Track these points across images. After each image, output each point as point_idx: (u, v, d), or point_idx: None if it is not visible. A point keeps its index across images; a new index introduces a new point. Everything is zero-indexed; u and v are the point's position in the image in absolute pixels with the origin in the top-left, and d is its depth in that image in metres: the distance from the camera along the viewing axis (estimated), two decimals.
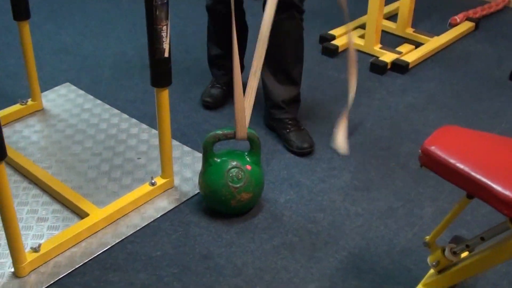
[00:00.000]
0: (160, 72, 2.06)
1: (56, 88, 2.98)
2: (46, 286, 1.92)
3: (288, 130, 2.57)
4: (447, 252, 1.66)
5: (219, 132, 2.10)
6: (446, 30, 3.60)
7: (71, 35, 3.58)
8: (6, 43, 3.39)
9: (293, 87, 2.59)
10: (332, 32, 3.50)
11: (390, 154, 2.52)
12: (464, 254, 1.67)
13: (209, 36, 2.82)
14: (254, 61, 2.14)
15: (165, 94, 2.11)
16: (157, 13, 1.92)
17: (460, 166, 1.43)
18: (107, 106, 2.82)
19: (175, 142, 2.55)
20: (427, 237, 1.71)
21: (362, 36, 3.43)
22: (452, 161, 1.45)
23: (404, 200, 2.27)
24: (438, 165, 1.48)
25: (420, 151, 1.52)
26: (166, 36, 1.98)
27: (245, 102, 2.11)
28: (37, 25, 3.68)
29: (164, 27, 1.96)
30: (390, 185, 2.34)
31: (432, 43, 3.43)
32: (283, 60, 2.53)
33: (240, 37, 2.72)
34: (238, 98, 2.09)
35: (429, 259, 1.71)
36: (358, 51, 3.36)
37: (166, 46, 2.00)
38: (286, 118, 2.60)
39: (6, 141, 2.53)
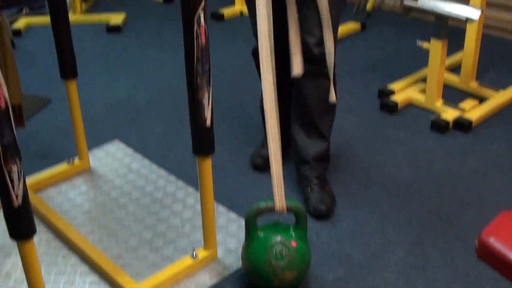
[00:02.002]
0: (202, 140, 1.96)
1: (104, 145, 2.92)
2: None
3: (310, 189, 2.46)
4: None
5: (263, 205, 1.98)
6: None
7: (125, 88, 3.55)
8: (59, 96, 3.37)
9: (321, 141, 2.47)
10: (392, 86, 3.36)
11: (450, 226, 2.35)
12: None
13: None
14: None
15: (207, 163, 2.01)
16: (198, 81, 1.83)
17: None
18: (154, 166, 2.74)
19: (221, 208, 2.44)
20: None
21: (422, 91, 3.27)
22: None
23: (463, 282, 2.08)
24: (497, 261, 1.32)
25: (476, 242, 1.36)
26: (208, 104, 1.89)
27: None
28: (92, 77, 3.67)
29: (206, 95, 1.86)
30: (448, 263, 2.16)
31: (498, 98, 3.25)
32: (310, 112, 2.42)
33: (284, 91, 2.62)
34: (275, 166, 1.98)
35: None
36: (419, 107, 3.21)
37: (208, 114, 1.90)
38: (312, 175, 2.48)
39: (51, 203, 2.52)
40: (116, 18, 4.51)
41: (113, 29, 4.40)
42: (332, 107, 2.46)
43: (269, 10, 2.01)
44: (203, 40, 1.73)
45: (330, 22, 2.16)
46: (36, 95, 3.47)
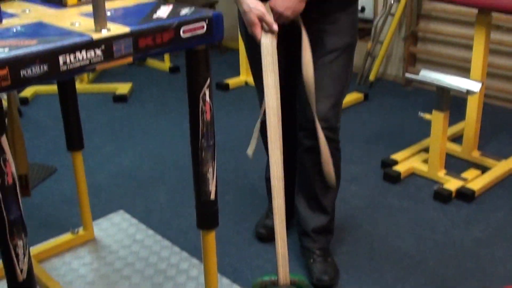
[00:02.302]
0: (206, 214, 1.98)
1: (109, 216, 2.94)
2: None
3: (312, 260, 2.46)
4: None
5: (267, 279, 1.99)
6: None
7: (130, 158, 3.58)
8: (65, 165, 3.40)
9: (323, 215, 2.48)
10: (394, 156, 3.39)
11: None
12: None
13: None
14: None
15: (211, 237, 2.02)
16: (203, 155, 1.86)
17: None
18: (158, 237, 2.75)
19: (225, 281, 2.44)
20: None
21: (425, 161, 3.30)
22: None
23: None
24: None
25: None
26: (213, 178, 1.91)
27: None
28: (98, 147, 3.71)
29: (210, 169, 1.89)
30: None
31: (500, 168, 3.27)
32: (313, 187, 2.43)
33: (290, 163, 2.64)
34: (280, 244, 2.00)
35: None
36: (422, 177, 3.23)
37: (212, 188, 1.92)
38: (314, 247, 2.49)
39: (54, 273, 2.53)
40: (123, 88, 4.59)
41: (119, 99, 4.47)
42: (336, 182, 2.48)
43: (277, 86, 2.05)
44: (208, 116, 1.77)
45: (313, 92, 2.18)
46: (42, 164, 3.51)
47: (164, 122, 4.10)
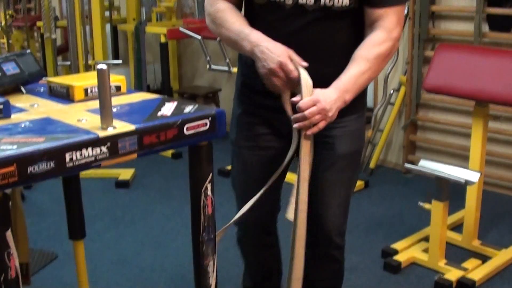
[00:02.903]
0: None
1: None
2: None
3: None
4: None
5: None
6: None
7: (131, 245, 3.58)
8: (66, 251, 3.40)
9: None
10: (395, 246, 3.39)
11: None
12: None
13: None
14: None
15: None
16: (204, 248, 1.87)
17: None
18: None
19: None
20: None
21: (426, 250, 3.30)
22: None
23: None
24: None
25: None
26: (213, 271, 1.92)
27: None
28: (99, 233, 3.72)
29: (211, 262, 1.91)
30: None
31: (500, 257, 3.27)
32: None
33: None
34: None
35: None
36: (422, 267, 3.23)
37: (212, 281, 1.93)
38: None
39: None
40: (125, 174, 4.63)
41: (121, 184, 4.50)
42: (340, 283, 2.49)
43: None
44: (209, 210, 1.80)
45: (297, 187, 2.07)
46: (43, 250, 3.51)
47: (166, 208, 4.12)
